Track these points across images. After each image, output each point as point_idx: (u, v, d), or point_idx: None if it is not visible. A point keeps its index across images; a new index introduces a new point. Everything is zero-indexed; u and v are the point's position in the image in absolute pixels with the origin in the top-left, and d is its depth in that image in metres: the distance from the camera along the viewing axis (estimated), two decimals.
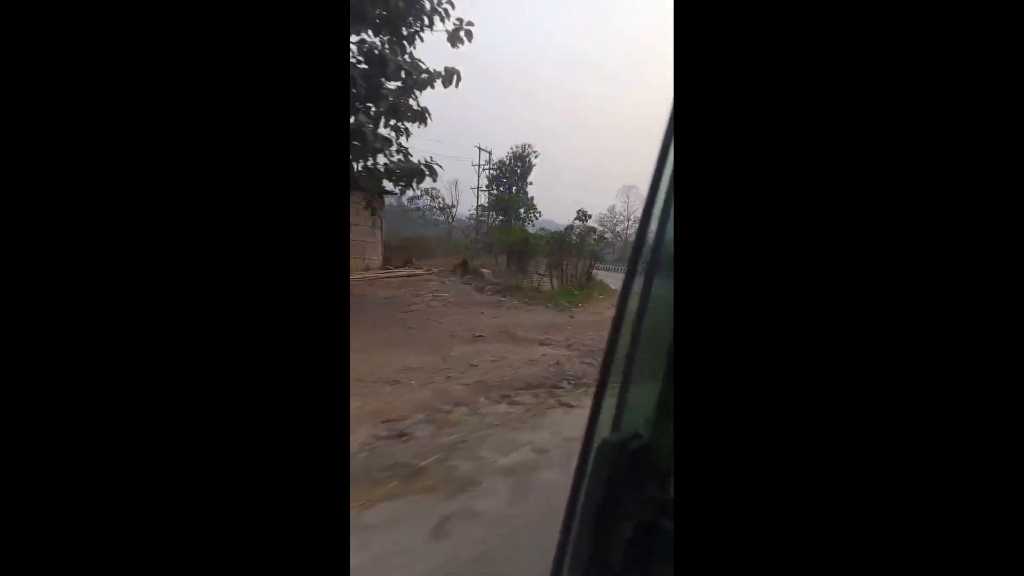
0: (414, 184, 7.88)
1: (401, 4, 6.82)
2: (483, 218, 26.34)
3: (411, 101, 7.32)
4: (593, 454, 0.48)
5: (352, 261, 11.39)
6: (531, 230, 17.35)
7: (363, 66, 6.88)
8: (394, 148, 7.37)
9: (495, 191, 27.61)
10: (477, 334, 6.69)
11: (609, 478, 0.47)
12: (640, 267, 0.49)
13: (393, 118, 7.21)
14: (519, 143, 34.57)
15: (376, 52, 6.94)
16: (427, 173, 7.65)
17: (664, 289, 0.50)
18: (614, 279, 14.37)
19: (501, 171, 28.05)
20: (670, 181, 0.49)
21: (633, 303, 0.50)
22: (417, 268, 13.32)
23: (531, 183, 27.97)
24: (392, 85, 7.22)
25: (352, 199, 7.21)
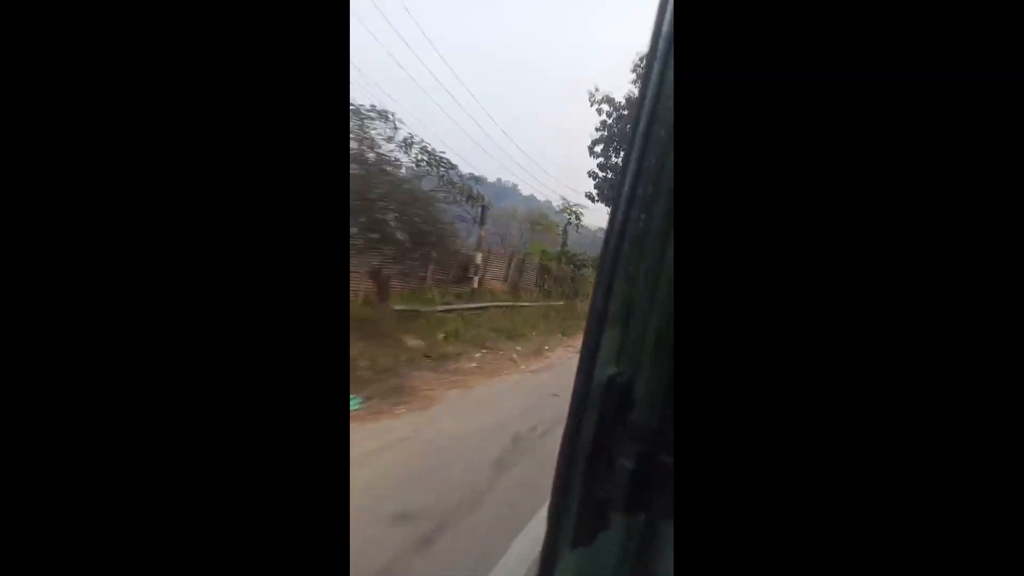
0: None
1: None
2: None
3: None
4: (587, 392, 0.48)
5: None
6: None
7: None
8: None
9: None
10: None
11: (601, 415, 0.47)
12: (625, 210, 0.49)
13: None
14: None
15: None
16: None
17: (645, 233, 0.50)
18: None
19: None
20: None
21: (616, 248, 0.50)
22: None
23: None
24: None
25: None
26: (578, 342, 0.53)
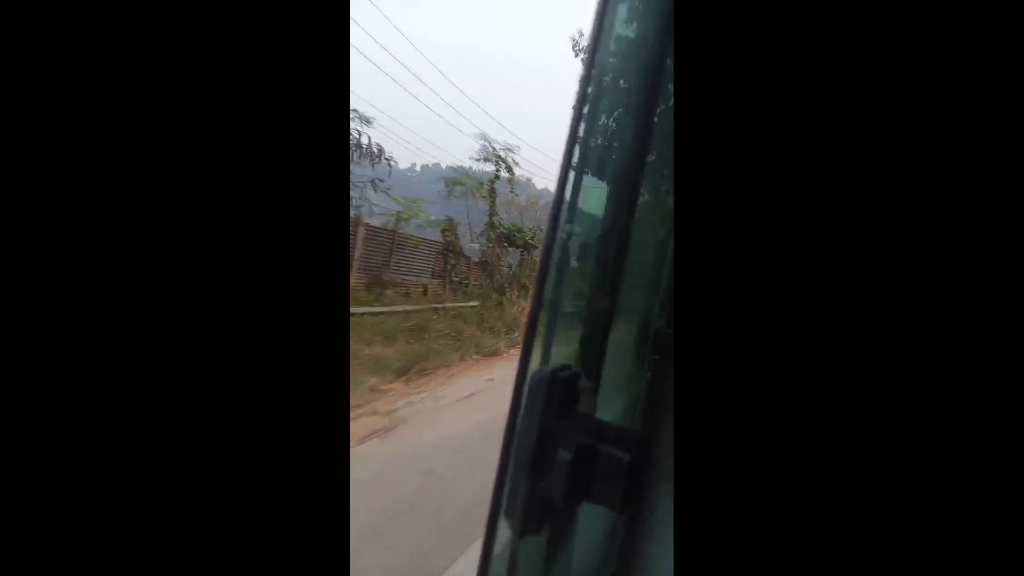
0: None
1: None
2: None
3: None
4: (525, 387, 0.48)
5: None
6: None
7: None
8: None
9: None
10: None
11: (543, 408, 0.47)
12: (564, 206, 0.47)
13: None
14: None
15: None
16: None
17: (585, 231, 0.49)
18: None
19: None
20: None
21: (558, 247, 0.49)
22: None
23: None
24: None
25: None
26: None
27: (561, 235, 0.49)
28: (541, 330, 0.51)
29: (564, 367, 0.49)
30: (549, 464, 0.47)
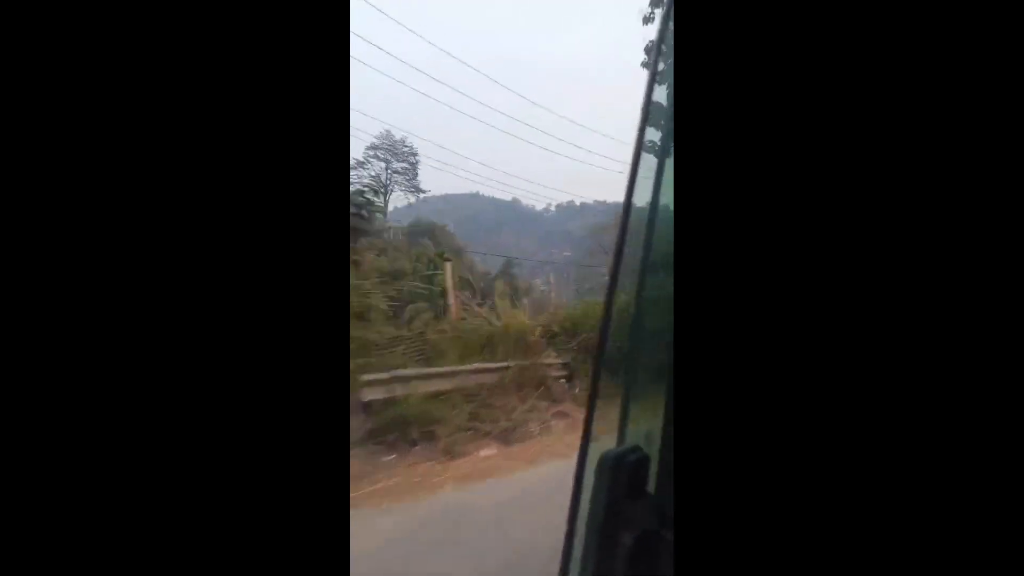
0: None
1: None
2: None
3: None
4: (594, 467, 0.48)
5: None
6: None
7: None
8: None
9: None
10: None
11: (609, 489, 0.47)
12: (626, 263, 0.48)
13: None
14: None
15: None
16: None
17: (657, 289, 0.48)
18: None
19: None
20: (655, 173, 0.48)
21: (623, 304, 0.48)
22: None
23: None
24: None
25: None
26: None
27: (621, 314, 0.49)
28: (609, 402, 0.51)
29: (634, 448, 0.48)
30: (612, 546, 0.46)
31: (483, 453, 4.75)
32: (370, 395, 4.74)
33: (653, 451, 0.49)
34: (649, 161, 0.48)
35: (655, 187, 0.49)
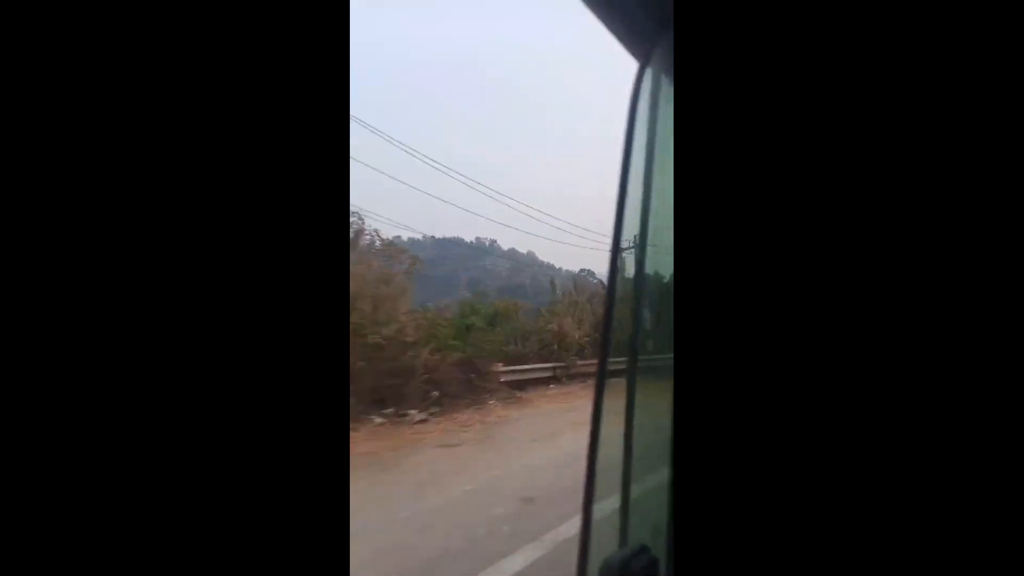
0: None
1: None
2: None
3: None
4: (594, 571, 0.44)
5: None
6: None
7: None
8: None
9: None
10: None
11: None
12: (614, 354, 0.46)
13: None
14: None
15: None
16: None
17: (654, 376, 0.46)
18: None
19: None
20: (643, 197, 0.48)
21: (616, 394, 0.46)
22: None
23: None
24: None
25: None
26: None
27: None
28: (609, 498, 0.47)
29: (642, 550, 0.44)
30: None
31: None
32: None
33: (660, 547, 0.45)
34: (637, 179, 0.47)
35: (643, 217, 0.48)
